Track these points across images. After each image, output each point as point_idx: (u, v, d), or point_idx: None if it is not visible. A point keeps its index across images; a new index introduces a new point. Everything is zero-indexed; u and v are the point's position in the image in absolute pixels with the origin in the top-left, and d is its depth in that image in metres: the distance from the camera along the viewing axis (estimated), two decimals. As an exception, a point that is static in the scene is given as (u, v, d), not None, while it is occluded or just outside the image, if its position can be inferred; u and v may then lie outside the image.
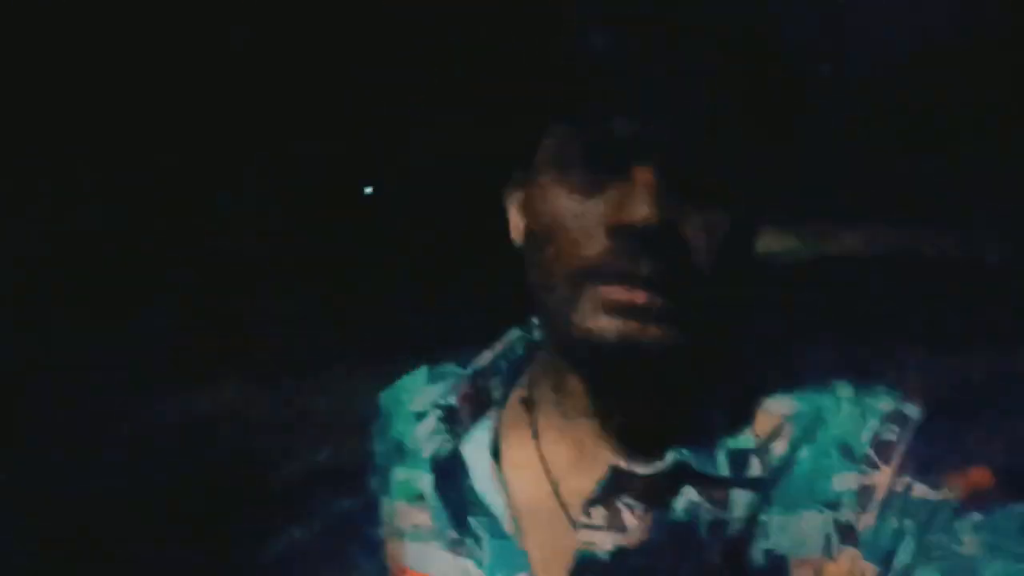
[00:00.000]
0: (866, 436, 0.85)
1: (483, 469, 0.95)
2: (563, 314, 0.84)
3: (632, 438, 0.89)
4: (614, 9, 0.84)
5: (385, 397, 1.07)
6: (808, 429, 0.87)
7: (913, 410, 0.86)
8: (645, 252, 0.80)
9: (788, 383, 0.89)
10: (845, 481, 0.84)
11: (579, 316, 0.82)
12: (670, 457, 0.86)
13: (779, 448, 0.86)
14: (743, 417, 0.88)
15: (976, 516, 0.80)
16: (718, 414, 0.88)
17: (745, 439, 0.87)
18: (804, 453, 0.86)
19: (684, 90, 0.81)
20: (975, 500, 0.81)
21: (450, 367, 1.04)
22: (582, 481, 0.89)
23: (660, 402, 0.88)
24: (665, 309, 0.81)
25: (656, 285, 0.81)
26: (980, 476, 0.83)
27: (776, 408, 0.88)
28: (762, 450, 0.86)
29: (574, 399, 0.91)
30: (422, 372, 1.06)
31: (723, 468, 0.86)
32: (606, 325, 0.81)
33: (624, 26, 0.83)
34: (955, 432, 0.86)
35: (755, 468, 0.86)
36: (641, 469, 0.86)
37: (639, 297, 0.81)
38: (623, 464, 0.86)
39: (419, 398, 1.03)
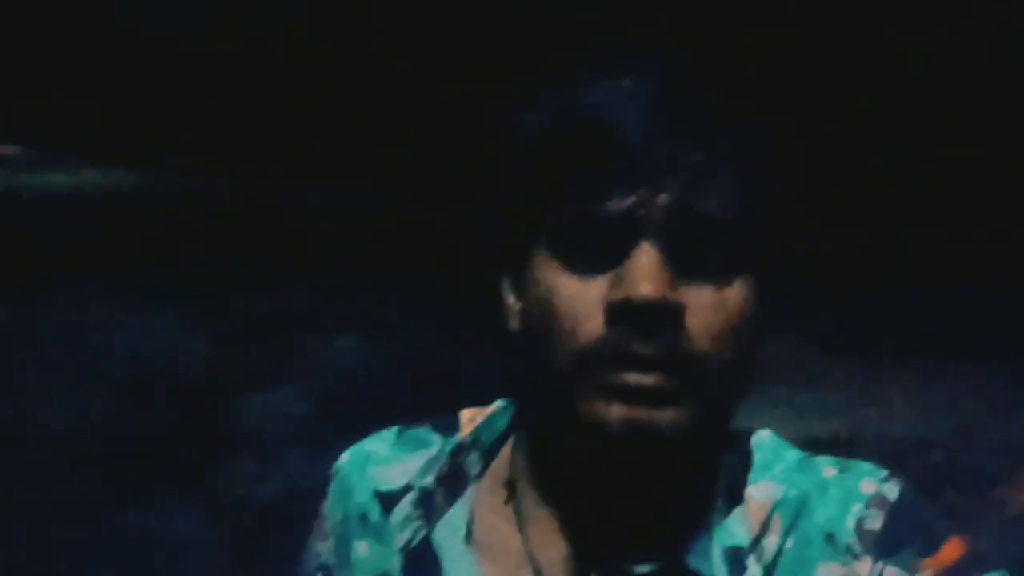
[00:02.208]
0: (850, 523, 0.83)
1: (457, 558, 0.89)
2: (565, 400, 0.80)
3: (628, 532, 0.85)
4: (602, 83, 0.82)
5: (350, 459, 0.98)
6: (795, 517, 0.84)
7: (892, 490, 0.84)
8: (649, 331, 0.77)
9: (774, 462, 0.88)
10: (829, 572, 0.82)
11: (584, 403, 0.79)
12: (666, 555, 0.83)
13: (771, 543, 0.84)
14: (735, 507, 0.85)
15: None
16: (714, 504, 0.85)
17: (740, 534, 0.84)
18: (790, 543, 0.84)
19: (682, 160, 0.78)
20: (960, 572, 0.81)
21: (423, 431, 0.97)
22: None
23: (661, 493, 0.84)
24: (674, 391, 0.78)
25: (663, 366, 0.77)
26: (952, 551, 0.82)
27: (764, 495, 0.85)
28: (757, 548, 0.83)
29: (567, 487, 0.86)
30: (390, 436, 0.98)
31: (719, 569, 0.83)
32: (614, 412, 0.78)
33: (617, 100, 0.80)
34: (926, 509, 0.85)
35: (751, 568, 0.83)
36: (637, 567, 0.82)
37: (647, 380, 0.77)
38: (617, 561, 0.83)
39: (389, 472, 0.95)
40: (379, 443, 0.98)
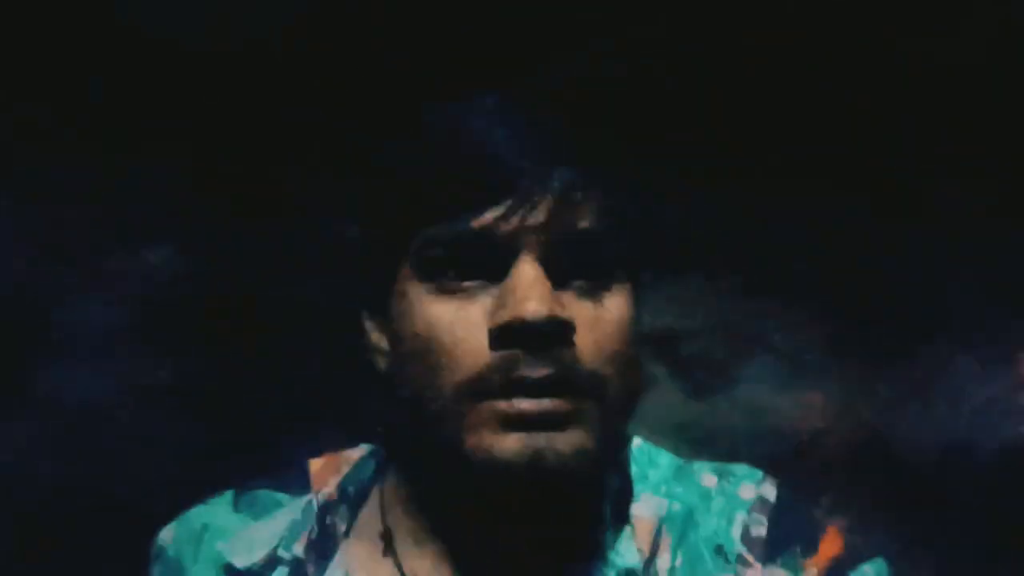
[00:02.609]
0: (736, 532, 0.83)
1: None
2: (450, 436, 0.74)
3: (521, 567, 0.80)
4: (466, 101, 0.79)
5: (176, 535, 0.88)
6: (682, 532, 0.82)
7: (770, 492, 0.85)
8: (538, 351, 0.73)
9: (649, 471, 0.85)
10: None
11: (473, 437, 0.73)
12: None
13: (663, 562, 0.81)
14: (623, 526, 0.82)
15: None
16: (605, 526, 0.82)
17: (631, 554, 0.81)
18: (679, 560, 0.81)
19: (555, 174, 0.75)
20: (835, 572, 0.82)
21: (266, 492, 0.89)
22: None
23: (557, 523, 0.80)
24: (572, 413, 0.74)
25: (558, 388, 0.73)
26: (831, 545, 0.83)
27: (648, 512, 0.83)
28: (650, 569, 0.81)
29: (452, 527, 0.82)
30: (225, 502, 0.89)
31: None
32: (510, 442, 0.73)
33: (483, 115, 0.77)
34: (803, 507, 0.87)
35: None
36: None
37: (543, 404, 0.73)
38: None
39: (241, 544, 0.86)
40: (213, 512, 0.89)
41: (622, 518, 0.83)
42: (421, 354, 0.75)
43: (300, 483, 0.88)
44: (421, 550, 0.83)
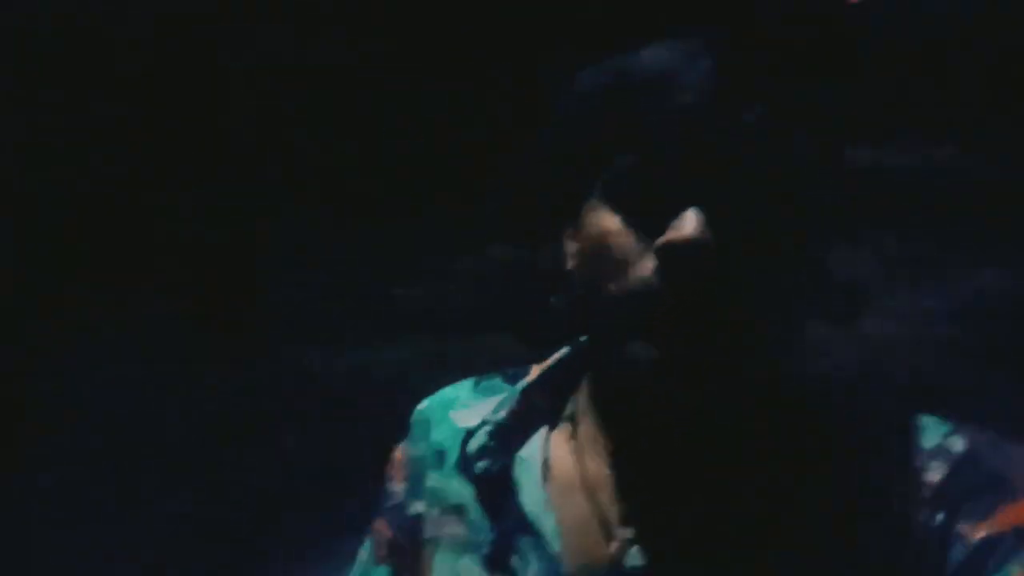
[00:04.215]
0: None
1: (532, 489, 0.95)
2: (611, 335, 0.84)
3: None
4: (661, 43, 0.87)
5: (430, 403, 1.07)
6: None
7: (957, 443, 0.85)
8: (695, 272, 0.80)
9: None
10: None
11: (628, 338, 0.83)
12: None
13: None
14: None
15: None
16: None
17: None
18: None
19: (736, 120, 0.81)
20: (1019, 539, 0.80)
21: (496, 381, 1.05)
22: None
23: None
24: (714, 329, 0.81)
25: (706, 307, 0.81)
26: (1021, 510, 0.81)
27: None
28: None
29: (615, 419, 0.92)
30: (467, 384, 1.07)
31: None
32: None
33: (676, 58, 0.84)
34: (998, 460, 0.84)
35: None
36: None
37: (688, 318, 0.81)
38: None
39: (466, 412, 1.03)
40: (457, 390, 1.07)
41: None
42: (596, 263, 0.86)
43: (522, 376, 1.03)
44: (595, 438, 0.94)
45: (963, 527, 0.82)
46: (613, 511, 0.90)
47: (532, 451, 0.98)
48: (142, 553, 3.61)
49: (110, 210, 5.55)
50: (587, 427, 0.95)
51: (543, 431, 0.99)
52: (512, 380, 1.04)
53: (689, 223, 0.80)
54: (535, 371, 1.02)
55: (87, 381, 4.67)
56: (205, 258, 5.46)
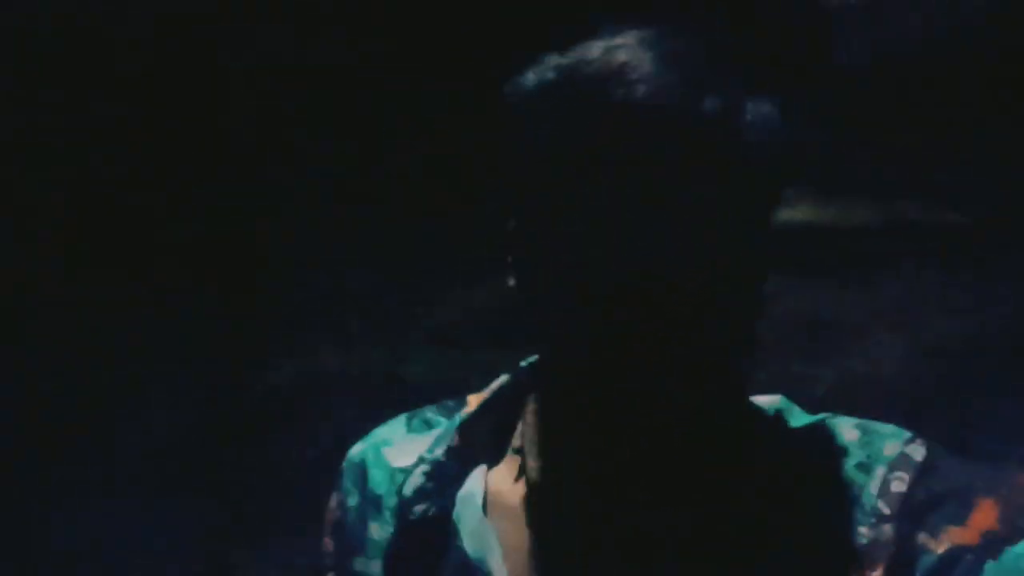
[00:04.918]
0: (874, 487, 0.83)
1: (475, 529, 0.90)
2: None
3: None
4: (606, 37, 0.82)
5: (363, 448, 1.00)
6: None
7: (918, 451, 0.84)
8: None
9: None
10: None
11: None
12: None
13: None
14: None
15: (991, 566, 0.78)
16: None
17: None
18: None
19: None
20: (986, 548, 0.79)
21: (431, 415, 1.00)
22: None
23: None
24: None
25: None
26: (985, 516, 0.80)
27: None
28: None
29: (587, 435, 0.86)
30: (400, 421, 1.01)
31: None
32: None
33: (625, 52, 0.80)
34: (956, 470, 0.82)
35: None
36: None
37: None
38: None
39: (401, 451, 0.97)
40: (389, 429, 1.00)
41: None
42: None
43: (458, 408, 0.99)
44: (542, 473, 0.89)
45: (925, 538, 0.81)
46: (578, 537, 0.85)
47: (472, 488, 0.92)
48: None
49: (110, 210, 5.55)
50: (534, 458, 0.89)
51: (482, 467, 0.93)
52: (448, 413, 0.99)
53: None
54: (472, 402, 0.97)
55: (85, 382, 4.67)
56: (206, 258, 5.46)
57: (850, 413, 0.90)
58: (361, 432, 1.03)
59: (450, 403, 1.00)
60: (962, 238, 5.29)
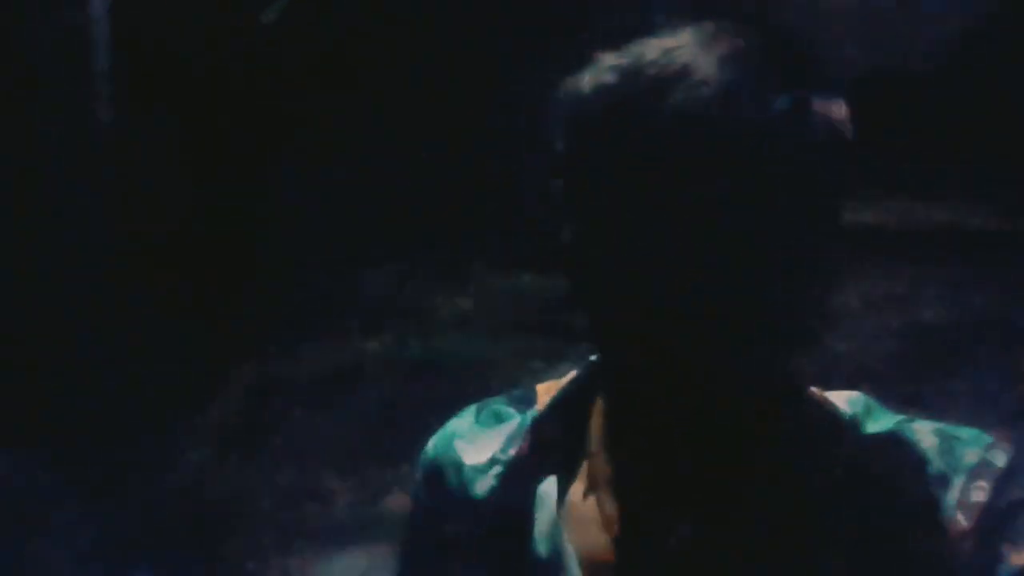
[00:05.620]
0: (953, 497, 0.80)
1: (546, 530, 0.88)
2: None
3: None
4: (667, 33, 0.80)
5: (436, 444, 0.99)
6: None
7: (1000, 457, 0.82)
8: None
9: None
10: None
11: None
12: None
13: None
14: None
15: None
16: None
17: None
18: None
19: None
20: None
21: (499, 406, 0.98)
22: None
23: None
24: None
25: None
26: None
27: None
28: None
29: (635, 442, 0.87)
30: (470, 413, 0.99)
31: None
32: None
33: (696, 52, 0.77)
34: None
35: None
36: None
37: None
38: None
39: (474, 448, 0.96)
40: (460, 422, 0.99)
41: None
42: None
43: (527, 401, 0.97)
44: (612, 470, 0.89)
45: (1007, 547, 0.78)
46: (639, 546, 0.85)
47: (546, 490, 0.90)
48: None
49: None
50: (604, 460, 0.89)
51: (558, 464, 0.91)
52: (518, 404, 0.97)
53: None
54: (542, 395, 0.95)
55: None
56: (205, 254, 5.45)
57: (829, 387, 0.89)
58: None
59: (517, 393, 0.98)
60: (951, 235, 5.40)
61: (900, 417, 0.86)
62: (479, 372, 4.35)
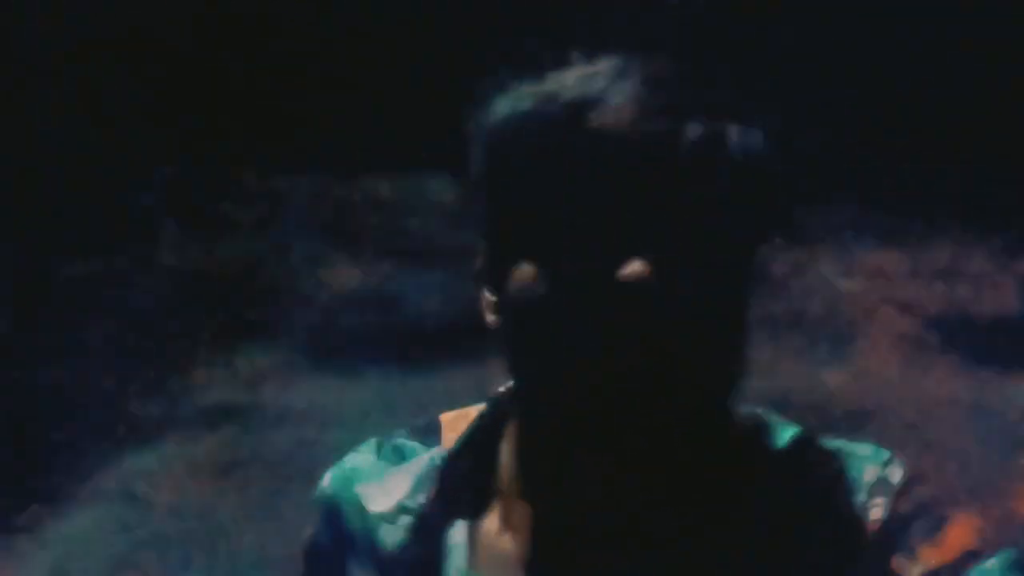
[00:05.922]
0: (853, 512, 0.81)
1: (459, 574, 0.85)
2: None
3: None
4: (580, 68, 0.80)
5: (333, 481, 0.94)
6: None
7: (896, 473, 0.83)
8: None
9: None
10: None
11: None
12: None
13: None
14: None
15: None
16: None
17: None
18: None
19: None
20: (963, 563, 0.78)
21: (402, 440, 0.94)
22: None
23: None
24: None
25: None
26: (961, 535, 0.79)
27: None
28: None
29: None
30: (370, 449, 0.95)
31: None
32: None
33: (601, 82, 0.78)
34: (930, 491, 0.82)
35: None
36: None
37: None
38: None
39: (380, 491, 0.91)
40: (359, 457, 0.95)
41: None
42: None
43: (431, 435, 0.93)
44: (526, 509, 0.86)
45: (901, 561, 0.79)
46: None
47: (456, 537, 0.87)
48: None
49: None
50: (516, 496, 0.86)
51: (467, 508, 0.88)
52: (422, 437, 0.93)
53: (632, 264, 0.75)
54: (447, 428, 0.92)
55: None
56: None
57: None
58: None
59: (419, 424, 0.95)
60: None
61: (798, 431, 0.86)
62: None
